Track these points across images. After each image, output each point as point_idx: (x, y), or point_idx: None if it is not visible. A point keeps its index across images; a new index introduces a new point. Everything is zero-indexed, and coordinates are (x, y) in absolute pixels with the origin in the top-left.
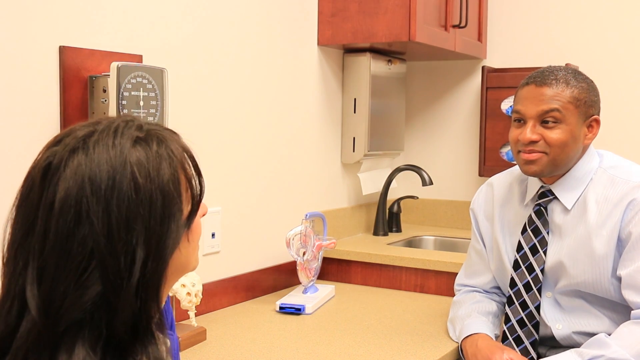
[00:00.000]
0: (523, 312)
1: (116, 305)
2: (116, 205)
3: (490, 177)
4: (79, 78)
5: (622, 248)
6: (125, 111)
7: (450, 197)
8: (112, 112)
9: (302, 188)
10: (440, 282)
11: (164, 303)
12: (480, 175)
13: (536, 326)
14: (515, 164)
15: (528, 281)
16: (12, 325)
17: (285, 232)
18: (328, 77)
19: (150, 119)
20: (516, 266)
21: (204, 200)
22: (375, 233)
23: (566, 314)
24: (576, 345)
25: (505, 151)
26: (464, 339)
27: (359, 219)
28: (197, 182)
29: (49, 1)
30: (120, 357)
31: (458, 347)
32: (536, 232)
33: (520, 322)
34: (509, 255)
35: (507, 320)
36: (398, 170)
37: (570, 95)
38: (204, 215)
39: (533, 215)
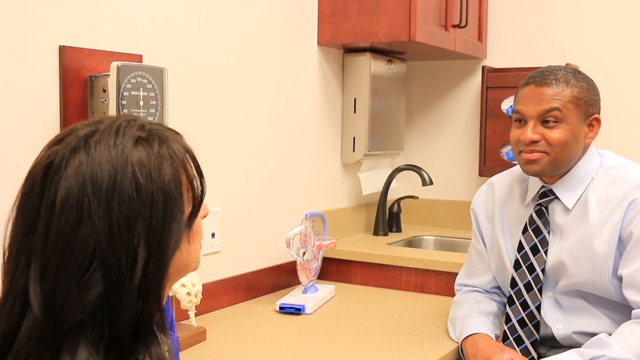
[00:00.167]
0: (524, 311)
1: (118, 306)
2: (117, 205)
3: (490, 177)
4: (78, 78)
5: (623, 248)
6: (125, 111)
7: (450, 197)
8: (112, 112)
9: (302, 188)
10: (441, 282)
11: (164, 303)
12: (480, 175)
13: (537, 326)
14: (516, 164)
15: (529, 281)
16: (13, 325)
17: (285, 232)
18: (328, 77)
19: (150, 118)
20: (517, 266)
21: (204, 201)
22: (375, 233)
23: (566, 314)
24: (577, 345)
25: (506, 151)
26: (464, 339)
27: (359, 219)
28: (199, 182)
29: (48, 1)
30: (123, 358)
31: (458, 347)
32: (537, 231)
33: (521, 322)
34: (510, 255)
35: (508, 320)
36: (398, 170)
37: (571, 94)
38: (205, 216)
39: (534, 215)
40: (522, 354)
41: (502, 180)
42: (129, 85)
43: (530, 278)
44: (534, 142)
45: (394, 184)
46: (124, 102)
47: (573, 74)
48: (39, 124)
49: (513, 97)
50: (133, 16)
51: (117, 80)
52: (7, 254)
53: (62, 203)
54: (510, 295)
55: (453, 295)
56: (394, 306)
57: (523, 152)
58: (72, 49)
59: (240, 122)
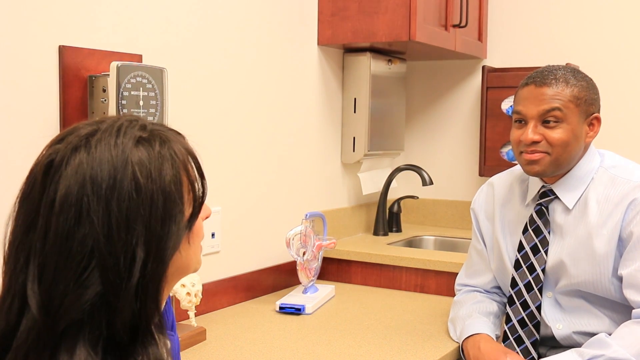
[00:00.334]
0: (524, 312)
1: (116, 306)
2: (116, 205)
3: (490, 177)
4: (78, 78)
5: (623, 248)
6: (125, 111)
7: (450, 197)
8: (112, 111)
9: (302, 188)
10: (441, 282)
11: (164, 304)
12: (480, 175)
13: (537, 326)
14: (516, 164)
15: (529, 281)
16: (12, 323)
17: (285, 232)
18: (328, 76)
19: (150, 118)
20: (517, 266)
21: (206, 202)
22: (375, 233)
23: (566, 314)
24: (577, 345)
25: (506, 151)
26: (465, 339)
27: (359, 219)
28: (200, 184)
29: (48, 1)
30: (121, 358)
31: (459, 347)
32: (537, 231)
33: (521, 322)
34: (510, 255)
35: (508, 320)
36: (398, 170)
37: (571, 94)
38: (207, 217)
39: (534, 215)
40: (523, 354)
41: (502, 180)
42: (129, 85)
43: (530, 278)
44: (535, 142)
45: (394, 184)
46: (123, 102)
47: (572, 73)
48: (38, 124)
49: (513, 97)
50: (133, 16)
51: (117, 80)
52: (7, 251)
53: (62, 202)
54: (511, 295)
55: (453, 295)
56: (394, 306)
57: (524, 152)
58: (72, 48)
59: (240, 122)
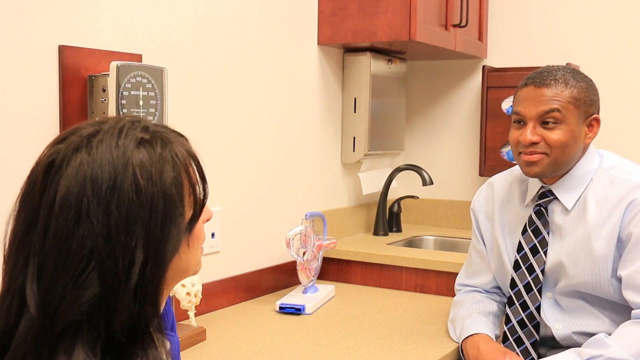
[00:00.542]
0: (523, 312)
1: (114, 308)
2: (116, 206)
3: (490, 176)
4: (78, 77)
5: (622, 249)
6: (125, 111)
7: (450, 197)
8: (112, 111)
9: (302, 188)
10: (441, 282)
11: (163, 306)
12: (480, 175)
13: (537, 327)
14: (516, 164)
15: (528, 282)
16: (11, 323)
17: (285, 232)
18: (328, 76)
19: (149, 118)
20: (516, 267)
21: (207, 204)
22: (376, 233)
23: (566, 315)
24: (576, 345)
25: (506, 151)
26: (464, 339)
27: (359, 219)
28: (201, 187)
29: (48, 0)
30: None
31: (458, 347)
32: (536, 232)
33: (521, 323)
34: (510, 255)
35: (508, 321)
36: (398, 170)
37: (570, 95)
38: (208, 220)
39: (533, 216)
40: (522, 355)
41: (501, 180)
42: (129, 85)
43: (529, 279)
44: (533, 143)
45: (394, 183)
46: (123, 101)
47: (572, 74)
48: (38, 124)
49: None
50: (133, 16)
51: (116, 79)
52: (7, 251)
53: (61, 202)
54: (510, 296)
55: (453, 295)
56: (394, 306)
57: (523, 153)
58: (72, 48)
59: (240, 122)
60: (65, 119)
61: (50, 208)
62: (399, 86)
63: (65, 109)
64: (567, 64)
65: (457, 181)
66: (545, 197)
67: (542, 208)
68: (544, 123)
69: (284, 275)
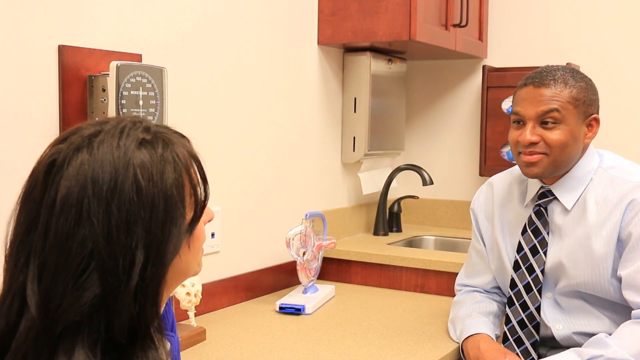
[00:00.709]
0: (523, 313)
1: (114, 309)
2: (117, 207)
3: (490, 176)
4: (78, 77)
5: (622, 249)
6: (125, 110)
7: (450, 197)
8: (112, 111)
9: (302, 188)
10: (441, 282)
11: (163, 307)
12: (480, 175)
13: (537, 327)
14: (516, 164)
15: (528, 282)
16: (12, 323)
17: (285, 232)
18: (328, 76)
19: (149, 118)
20: (516, 267)
21: (208, 204)
22: (376, 233)
23: (566, 315)
24: (577, 345)
25: (506, 151)
26: (464, 339)
27: (359, 219)
28: (202, 188)
29: (48, 0)
30: None
31: (459, 347)
32: (536, 232)
33: (521, 323)
34: (509, 255)
35: (508, 321)
36: (398, 169)
37: (569, 95)
38: (210, 220)
39: (533, 216)
40: (523, 356)
41: (501, 180)
42: (129, 85)
43: (529, 279)
44: (533, 143)
45: (394, 183)
46: (123, 101)
47: (571, 74)
48: (38, 124)
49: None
50: (132, 15)
51: (116, 79)
52: (8, 250)
53: (62, 202)
54: (510, 297)
55: (453, 295)
56: (394, 306)
57: (522, 153)
58: (72, 48)
59: (240, 122)
60: (65, 119)
61: (51, 208)
62: (399, 86)
63: (65, 108)
64: (567, 64)
65: (457, 181)
66: (545, 197)
67: (541, 208)
68: (543, 123)
69: (284, 275)
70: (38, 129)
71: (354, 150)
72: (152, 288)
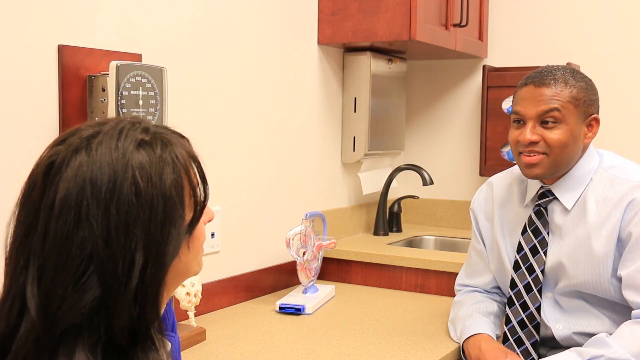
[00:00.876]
0: (524, 313)
1: (114, 310)
2: (116, 208)
3: (490, 176)
4: (78, 77)
5: (622, 248)
6: (125, 110)
7: (450, 196)
8: (112, 111)
9: (302, 188)
10: (441, 282)
11: (163, 308)
12: (481, 174)
13: (537, 327)
14: (516, 164)
15: (528, 282)
16: (12, 325)
17: (285, 232)
18: (328, 76)
19: (149, 118)
20: (516, 267)
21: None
22: (376, 233)
23: (566, 315)
24: (577, 345)
25: (506, 151)
26: (465, 339)
27: (359, 219)
28: (202, 189)
29: (48, 0)
30: None
31: (459, 347)
32: (536, 232)
33: (521, 323)
34: (509, 255)
35: (508, 321)
36: (398, 169)
37: (569, 94)
38: (210, 221)
39: (533, 216)
40: (523, 356)
41: (501, 180)
42: (129, 85)
43: (529, 279)
44: (533, 143)
45: (394, 183)
46: (123, 101)
47: (572, 73)
48: (38, 124)
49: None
50: (132, 15)
51: (116, 79)
52: (8, 252)
53: (61, 204)
54: (510, 297)
55: (453, 295)
56: (394, 306)
57: (522, 153)
58: (71, 48)
59: (240, 122)
60: (64, 119)
61: (50, 210)
62: (399, 86)
63: (64, 108)
64: (567, 64)
65: (457, 181)
66: (545, 197)
67: (541, 208)
68: (543, 123)
69: (284, 275)
70: (38, 129)
71: (354, 150)
72: (152, 289)
